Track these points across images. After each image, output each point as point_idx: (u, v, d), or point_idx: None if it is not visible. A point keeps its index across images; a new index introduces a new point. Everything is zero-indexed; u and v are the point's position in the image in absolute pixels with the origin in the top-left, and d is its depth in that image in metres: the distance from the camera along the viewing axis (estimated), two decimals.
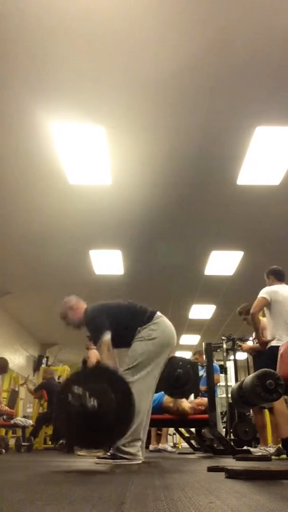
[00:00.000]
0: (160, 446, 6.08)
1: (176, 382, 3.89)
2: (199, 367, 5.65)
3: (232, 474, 1.75)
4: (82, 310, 2.95)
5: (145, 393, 2.63)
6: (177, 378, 3.86)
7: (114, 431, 2.27)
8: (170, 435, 9.69)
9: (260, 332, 4.12)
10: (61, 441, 5.85)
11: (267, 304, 4.07)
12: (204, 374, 5.12)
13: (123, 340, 2.80)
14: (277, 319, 4.04)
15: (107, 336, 2.70)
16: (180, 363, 3.92)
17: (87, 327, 2.89)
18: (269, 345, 4.02)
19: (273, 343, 3.95)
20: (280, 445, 3.84)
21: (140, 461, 2.62)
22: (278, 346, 3.75)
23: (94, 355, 2.83)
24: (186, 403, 4.40)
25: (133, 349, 2.75)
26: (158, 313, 2.92)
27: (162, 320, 2.89)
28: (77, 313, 2.95)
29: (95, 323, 2.80)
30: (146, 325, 2.79)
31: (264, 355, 4.06)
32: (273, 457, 3.74)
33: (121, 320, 2.83)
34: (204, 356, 4.95)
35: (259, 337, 4.10)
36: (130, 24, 3.24)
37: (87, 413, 2.15)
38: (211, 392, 4.41)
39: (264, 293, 4.13)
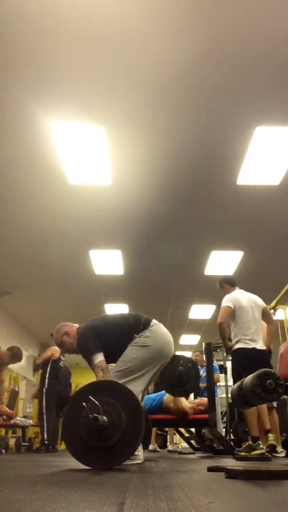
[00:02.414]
0: (170, 447, 6.12)
1: (178, 381, 3.90)
2: (199, 367, 5.65)
3: (232, 474, 1.75)
4: (75, 334, 2.91)
5: None
6: (179, 376, 3.87)
7: (119, 452, 2.19)
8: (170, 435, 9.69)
9: (226, 339, 4.29)
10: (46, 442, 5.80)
11: (232, 312, 4.24)
12: (204, 374, 5.12)
13: (119, 356, 2.77)
14: (242, 324, 4.21)
15: (99, 358, 2.67)
16: (182, 361, 3.93)
17: (79, 351, 2.85)
18: (235, 347, 4.19)
19: (239, 346, 4.14)
20: (250, 442, 3.94)
21: (140, 461, 2.62)
22: (245, 348, 4.07)
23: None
24: (186, 403, 4.40)
25: (125, 354, 2.70)
26: (154, 321, 2.85)
27: (157, 328, 2.82)
28: (73, 337, 2.91)
29: (86, 347, 2.75)
30: (141, 333, 2.76)
31: (235, 358, 4.19)
32: (242, 453, 3.88)
33: (114, 340, 2.76)
34: (204, 356, 4.96)
35: (226, 344, 4.28)
36: (130, 25, 3.25)
37: (96, 427, 2.12)
38: (211, 392, 4.41)
39: (227, 301, 4.30)
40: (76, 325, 2.98)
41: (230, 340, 5.19)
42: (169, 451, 6.11)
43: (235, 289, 4.46)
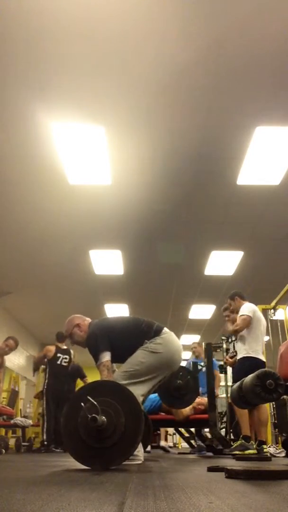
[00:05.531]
0: (162, 443, 6.13)
1: (176, 392, 3.89)
2: (197, 360, 5.65)
3: (232, 474, 1.75)
4: (87, 328, 2.91)
5: None
6: (178, 388, 3.85)
7: (118, 452, 2.19)
8: (170, 435, 9.70)
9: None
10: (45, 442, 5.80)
11: (251, 321, 4.34)
12: (203, 369, 5.10)
13: (124, 360, 2.76)
14: (258, 335, 4.34)
15: (106, 358, 2.67)
16: (180, 373, 3.90)
17: (87, 346, 2.84)
18: (251, 355, 4.26)
19: (257, 355, 4.25)
20: (243, 441, 4.03)
21: (140, 461, 2.61)
22: (260, 359, 4.20)
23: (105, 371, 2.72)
24: (186, 409, 4.41)
25: (134, 356, 2.69)
26: (166, 329, 2.85)
27: (168, 336, 2.82)
28: (83, 330, 2.91)
29: (95, 344, 2.75)
30: (152, 339, 2.74)
31: (249, 366, 4.18)
32: (237, 452, 3.96)
33: (126, 343, 2.75)
34: (202, 348, 4.98)
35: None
36: (130, 25, 3.25)
37: (95, 428, 2.12)
38: (211, 392, 4.41)
39: (249, 311, 4.38)
40: (89, 320, 2.98)
41: (228, 351, 5.24)
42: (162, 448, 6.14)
43: (245, 302, 4.55)
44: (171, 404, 4.08)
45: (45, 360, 6.14)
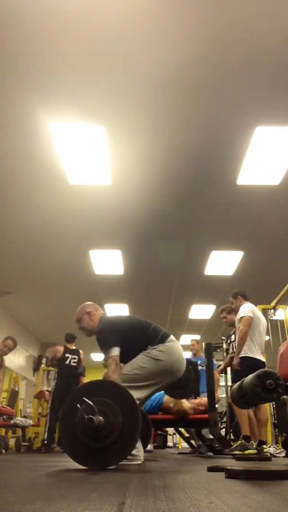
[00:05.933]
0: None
1: (178, 383, 3.88)
2: (195, 359, 5.65)
3: (232, 474, 1.75)
4: (98, 318, 2.91)
5: None
6: (179, 379, 3.86)
7: (115, 452, 2.19)
8: (170, 435, 9.69)
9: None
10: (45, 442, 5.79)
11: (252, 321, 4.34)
12: (202, 368, 5.10)
13: (125, 362, 2.76)
14: (258, 335, 4.32)
15: (115, 352, 2.66)
16: None
17: (97, 339, 2.83)
18: (250, 355, 4.24)
19: (257, 356, 4.24)
20: (243, 441, 4.03)
21: (140, 461, 2.61)
22: (260, 360, 4.20)
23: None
24: (187, 404, 4.41)
25: (134, 360, 2.68)
26: (172, 337, 2.84)
27: (173, 344, 2.80)
28: (92, 320, 2.92)
29: (105, 338, 2.75)
30: (156, 346, 2.73)
31: (249, 366, 4.16)
32: (237, 452, 3.95)
33: (131, 343, 2.74)
34: (200, 345, 4.95)
35: (239, 355, 4.31)
36: (130, 25, 3.25)
37: (92, 428, 2.12)
38: (211, 392, 4.41)
39: (249, 311, 4.36)
40: (101, 312, 2.99)
41: (228, 351, 5.19)
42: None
43: (247, 302, 4.52)
44: (172, 394, 4.08)
45: (54, 361, 6.16)
